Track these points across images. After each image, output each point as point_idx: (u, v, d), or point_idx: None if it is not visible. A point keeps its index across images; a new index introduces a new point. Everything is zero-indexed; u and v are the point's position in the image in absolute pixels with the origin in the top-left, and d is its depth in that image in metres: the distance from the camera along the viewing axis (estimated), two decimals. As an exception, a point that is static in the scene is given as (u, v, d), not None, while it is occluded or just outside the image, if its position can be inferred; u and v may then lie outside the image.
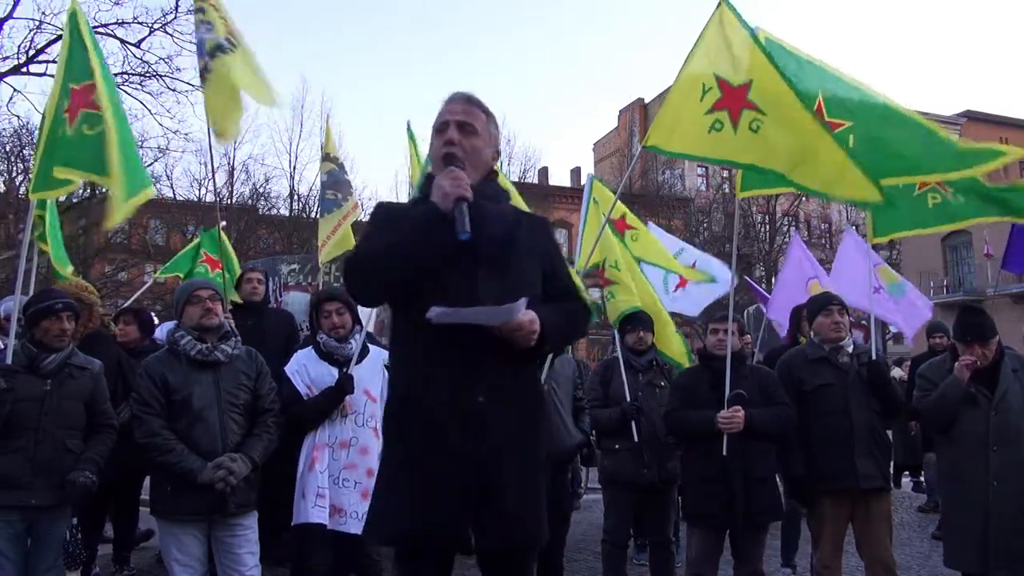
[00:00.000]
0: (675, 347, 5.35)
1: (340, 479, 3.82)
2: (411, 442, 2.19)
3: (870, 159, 3.71)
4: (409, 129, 5.84)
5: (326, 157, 6.83)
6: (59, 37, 15.82)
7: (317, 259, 6.81)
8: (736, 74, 3.83)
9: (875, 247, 6.08)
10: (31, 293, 4.10)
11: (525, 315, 2.10)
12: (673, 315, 6.33)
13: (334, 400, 3.87)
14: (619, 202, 5.56)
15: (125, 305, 6.72)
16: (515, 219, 2.34)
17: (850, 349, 4.11)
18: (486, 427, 2.15)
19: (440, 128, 2.33)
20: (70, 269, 4.13)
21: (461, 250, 2.12)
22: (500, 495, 2.15)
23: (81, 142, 3.76)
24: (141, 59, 16.43)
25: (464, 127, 2.32)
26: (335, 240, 6.44)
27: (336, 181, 6.62)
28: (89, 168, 3.80)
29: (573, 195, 33.56)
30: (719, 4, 3.94)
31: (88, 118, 3.76)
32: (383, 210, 2.42)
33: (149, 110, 17.89)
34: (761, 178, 4.13)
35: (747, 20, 3.87)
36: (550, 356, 4.15)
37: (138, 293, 8.55)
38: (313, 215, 21.66)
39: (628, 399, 4.49)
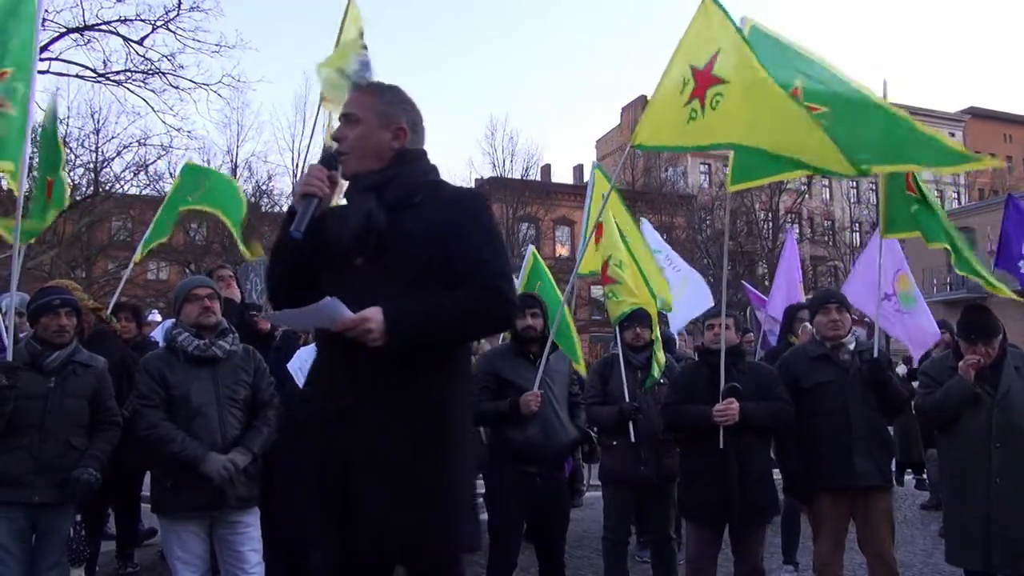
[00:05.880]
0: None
1: None
2: (296, 446, 2.15)
3: (845, 143, 3.64)
4: None
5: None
6: (61, 35, 15.88)
7: None
8: (705, 54, 3.88)
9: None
10: (23, 291, 4.09)
11: (355, 315, 1.92)
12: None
13: None
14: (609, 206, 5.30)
15: (119, 301, 6.67)
16: (396, 206, 2.09)
17: (851, 347, 4.08)
18: (352, 431, 2.01)
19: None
20: None
21: (317, 247, 2.08)
22: (366, 504, 1.99)
23: None
24: (144, 56, 16.44)
25: (348, 117, 2.19)
26: None
27: None
28: None
29: (575, 192, 33.53)
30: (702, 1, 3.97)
31: None
32: None
33: (152, 108, 17.87)
34: (751, 170, 4.12)
35: (731, 13, 3.88)
36: (545, 352, 4.13)
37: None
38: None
39: (627, 397, 4.48)
